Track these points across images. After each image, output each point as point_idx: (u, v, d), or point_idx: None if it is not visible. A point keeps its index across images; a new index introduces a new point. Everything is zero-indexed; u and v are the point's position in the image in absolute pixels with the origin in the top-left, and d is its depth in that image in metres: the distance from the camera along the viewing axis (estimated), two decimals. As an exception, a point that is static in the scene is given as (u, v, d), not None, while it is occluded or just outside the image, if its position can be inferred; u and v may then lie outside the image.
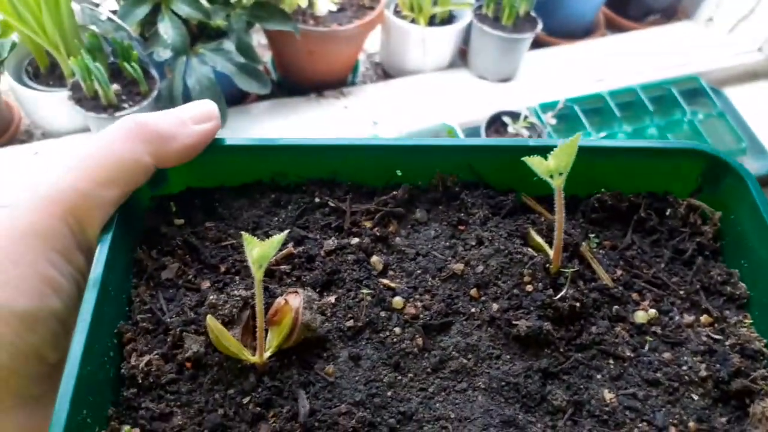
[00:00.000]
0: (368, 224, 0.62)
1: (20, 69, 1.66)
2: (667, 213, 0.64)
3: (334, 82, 1.92)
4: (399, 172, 0.63)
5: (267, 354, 0.51)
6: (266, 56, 1.98)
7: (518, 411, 0.52)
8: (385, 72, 2.11)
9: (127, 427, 0.47)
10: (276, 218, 0.62)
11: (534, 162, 0.54)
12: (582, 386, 0.53)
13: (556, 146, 0.54)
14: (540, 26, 1.91)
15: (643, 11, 2.38)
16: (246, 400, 0.50)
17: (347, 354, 0.54)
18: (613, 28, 2.38)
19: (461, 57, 2.09)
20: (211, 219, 0.61)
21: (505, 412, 0.51)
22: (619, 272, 0.60)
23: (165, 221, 0.60)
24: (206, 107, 0.59)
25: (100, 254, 0.51)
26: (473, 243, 0.60)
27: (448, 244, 0.61)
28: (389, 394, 0.52)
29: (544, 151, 0.54)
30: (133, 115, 0.55)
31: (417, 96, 1.92)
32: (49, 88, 1.62)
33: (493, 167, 0.64)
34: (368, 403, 0.51)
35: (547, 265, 0.58)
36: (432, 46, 1.94)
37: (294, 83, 1.92)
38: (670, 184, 0.65)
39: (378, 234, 0.61)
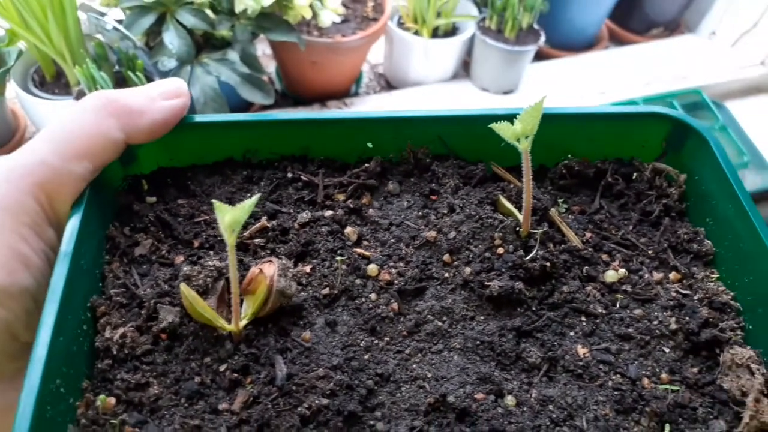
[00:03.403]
0: (341, 197, 0.63)
1: (26, 77, 1.65)
2: (634, 177, 0.66)
3: (337, 93, 1.92)
4: (370, 145, 0.64)
5: (243, 322, 0.51)
6: (271, 66, 1.97)
7: (494, 369, 0.52)
8: (388, 83, 2.11)
9: (102, 397, 0.47)
10: (249, 194, 0.62)
11: (501, 127, 0.55)
12: (556, 343, 0.54)
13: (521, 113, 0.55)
14: (543, 39, 1.91)
15: (646, 24, 2.37)
16: (223, 367, 0.50)
17: (324, 320, 0.54)
18: (616, 40, 2.37)
19: (464, 68, 2.09)
20: (184, 196, 0.61)
21: (481, 369, 0.52)
22: (588, 235, 0.61)
23: (137, 199, 0.59)
24: (175, 84, 0.59)
25: (71, 228, 0.51)
26: (445, 211, 0.61)
27: (420, 213, 0.62)
28: (366, 357, 0.52)
29: (511, 118, 0.55)
30: (102, 91, 0.55)
31: (420, 107, 1.92)
32: (55, 96, 1.61)
33: (462, 138, 0.65)
34: (346, 366, 0.51)
35: (518, 229, 0.59)
36: (435, 58, 1.93)
37: (298, 93, 1.92)
38: (636, 149, 0.66)
39: (351, 206, 0.61)
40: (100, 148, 0.54)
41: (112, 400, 0.47)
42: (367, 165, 0.63)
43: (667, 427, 0.50)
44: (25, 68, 1.66)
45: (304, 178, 0.63)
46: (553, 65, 2.16)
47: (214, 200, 0.48)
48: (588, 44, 2.31)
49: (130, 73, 1.47)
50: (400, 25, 1.96)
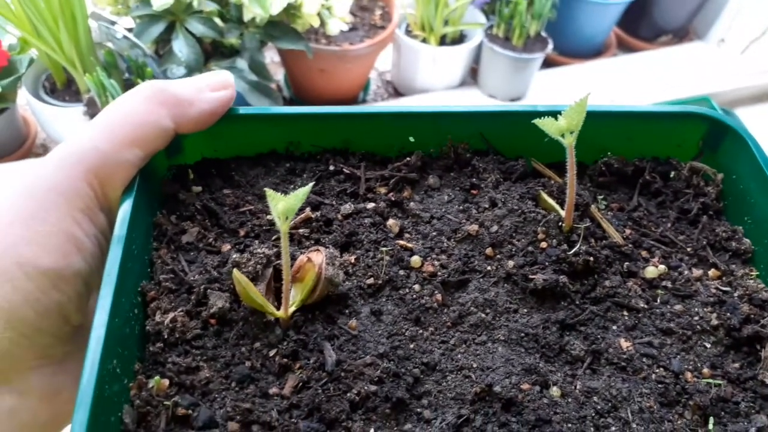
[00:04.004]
0: (383, 190, 0.63)
1: (37, 84, 1.68)
2: (671, 176, 0.66)
3: (345, 100, 1.93)
4: (412, 139, 0.64)
5: (291, 309, 0.52)
6: (279, 74, 1.98)
7: (538, 360, 0.53)
8: (396, 90, 2.11)
9: (156, 378, 0.47)
10: (292, 186, 0.63)
11: (545, 123, 0.56)
12: (599, 336, 0.55)
13: (563, 110, 0.55)
14: (550, 46, 1.91)
15: (655, 31, 2.35)
16: (272, 352, 0.51)
17: (369, 310, 0.54)
18: (625, 48, 2.35)
19: (472, 76, 2.09)
20: (229, 186, 0.62)
21: (526, 361, 0.52)
22: (628, 231, 0.62)
23: (183, 188, 0.60)
24: (222, 76, 0.60)
25: (123, 213, 0.52)
26: (486, 205, 0.62)
27: (461, 207, 0.62)
28: (411, 346, 0.53)
29: (553, 115, 0.56)
30: (153, 81, 0.56)
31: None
32: (65, 103, 1.64)
33: (503, 134, 0.65)
34: (392, 354, 0.52)
35: (560, 223, 0.59)
36: (442, 65, 1.94)
37: (306, 101, 1.93)
38: (672, 148, 0.67)
39: (393, 199, 0.62)
40: (151, 136, 0.55)
41: (166, 382, 0.48)
42: (408, 159, 0.64)
43: (711, 421, 0.50)
44: (36, 76, 1.70)
45: (346, 171, 0.63)
46: (561, 72, 2.16)
47: (266, 188, 0.48)
48: (596, 51, 2.30)
49: (140, 81, 1.49)
50: (408, 32, 1.97)
